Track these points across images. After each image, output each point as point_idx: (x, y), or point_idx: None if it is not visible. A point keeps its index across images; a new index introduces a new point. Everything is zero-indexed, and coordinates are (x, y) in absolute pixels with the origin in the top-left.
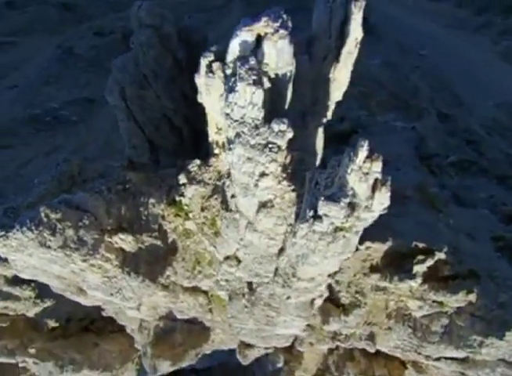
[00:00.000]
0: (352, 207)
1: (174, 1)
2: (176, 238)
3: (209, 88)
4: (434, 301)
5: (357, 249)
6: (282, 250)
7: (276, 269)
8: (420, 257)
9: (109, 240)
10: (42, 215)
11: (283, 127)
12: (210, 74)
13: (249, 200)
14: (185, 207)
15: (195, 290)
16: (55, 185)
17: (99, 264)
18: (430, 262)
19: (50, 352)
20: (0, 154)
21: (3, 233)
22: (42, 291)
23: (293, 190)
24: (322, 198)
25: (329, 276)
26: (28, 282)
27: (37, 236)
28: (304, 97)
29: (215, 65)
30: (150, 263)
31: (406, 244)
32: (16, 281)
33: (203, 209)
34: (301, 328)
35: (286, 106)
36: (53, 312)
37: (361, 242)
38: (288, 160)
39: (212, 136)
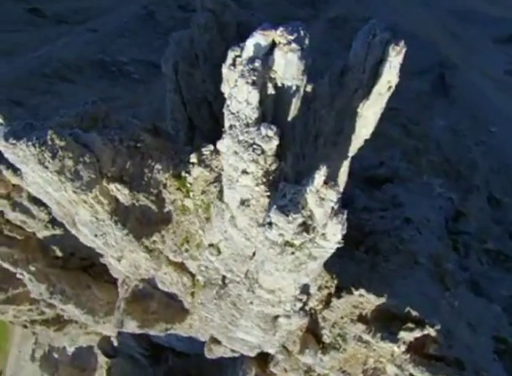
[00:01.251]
0: (307, 228)
1: (261, 2)
2: (172, 210)
3: (229, 80)
4: (411, 375)
5: (351, 293)
6: (254, 254)
7: (247, 272)
8: (410, 325)
9: (106, 185)
10: (48, 137)
11: (270, 133)
12: (232, 67)
13: (232, 193)
14: (188, 185)
15: (182, 268)
16: (76, 120)
17: (90, 203)
18: (417, 334)
19: (47, 276)
20: (62, 86)
21: (14, 141)
22: (56, 220)
23: (268, 197)
24: (275, 207)
25: (298, 300)
26: (45, 206)
27: (39, 153)
28: (321, 120)
29: (238, 60)
30: (140, 222)
31: (400, 306)
32: (36, 201)
33: (202, 192)
34: (262, 341)
35: (290, 119)
36: (60, 241)
37: (357, 288)
38: (273, 168)
39: None
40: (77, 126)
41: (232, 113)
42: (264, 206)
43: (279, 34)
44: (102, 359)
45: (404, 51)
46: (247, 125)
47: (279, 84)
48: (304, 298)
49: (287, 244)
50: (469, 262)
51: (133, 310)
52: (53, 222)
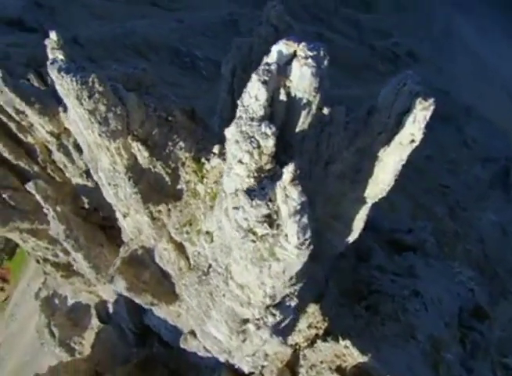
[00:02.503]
0: (271, 222)
1: (344, 44)
2: (184, 190)
3: None
4: None
5: (337, 341)
6: None
7: (228, 265)
8: None
9: (130, 142)
10: (90, 79)
11: (269, 131)
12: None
13: (229, 181)
14: (204, 172)
15: (182, 251)
16: (123, 78)
17: (112, 152)
18: None
19: (68, 220)
20: (135, 59)
21: (63, 75)
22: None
23: None
24: (245, 190)
25: (270, 314)
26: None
27: (78, 90)
28: (334, 146)
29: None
30: (151, 188)
31: (381, 372)
32: (78, 148)
33: (215, 182)
34: (232, 346)
35: (298, 130)
36: (89, 194)
37: (344, 338)
38: (267, 167)
39: None
40: (122, 83)
41: (243, 106)
42: None
43: (300, 48)
44: (95, 322)
45: (431, 109)
46: (252, 119)
47: (292, 94)
48: (278, 315)
49: (250, 230)
50: (476, 364)
51: (126, 271)
52: (88, 173)
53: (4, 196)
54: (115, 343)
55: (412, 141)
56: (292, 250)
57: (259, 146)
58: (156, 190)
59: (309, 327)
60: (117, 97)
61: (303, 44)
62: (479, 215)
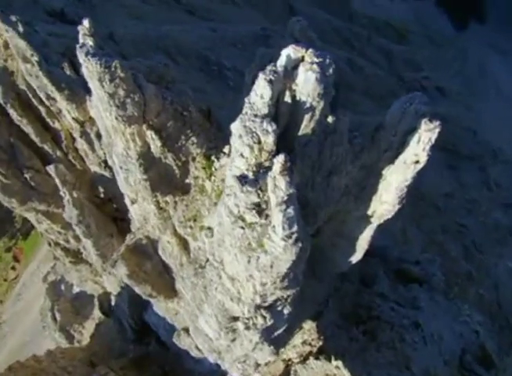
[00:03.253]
0: (260, 211)
1: (372, 70)
2: (192, 185)
3: None
4: None
5: (329, 361)
6: None
7: (223, 258)
8: None
9: (145, 130)
10: (113, 64)
11: (269, 128)
12: None
13: (230, 174)
14: (213, 169)
15: (185, 247)
16: (146, 70)
17: (127, 137)
18: None
19: (82, 206)
20: (165, 60)
21: (89, 58)
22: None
23: None
24: (237, 175)
25: (261, 315)
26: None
27: (101, 72)
28: (338, 157)
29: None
30: (161, 178)
31: None
32: (100, 138)
33: (222, 180)
34: (221, 345)
35: (301, 133)
36: (106, 184)
37: (336, 358)
38: (266, 164)
39: None
40: (144, 74)
41: (249, 103)
42: None
43: (307, 53)
44: (96, 313)
45: (437, 131)
46: (255, 116)
47: (297, 98)
48: (269, 318)
49: (240, 217)
50: None
51: (128, 258)
52: (106, 163)
53: (26, 176)
54: (113, 337)
55: (417, 162)
56: (278, 241)
57: (259, 142)
58: (166, 181)
59: (304, 343)
60: (136, 85)
61: (311, 50)
62: (496, 261)
